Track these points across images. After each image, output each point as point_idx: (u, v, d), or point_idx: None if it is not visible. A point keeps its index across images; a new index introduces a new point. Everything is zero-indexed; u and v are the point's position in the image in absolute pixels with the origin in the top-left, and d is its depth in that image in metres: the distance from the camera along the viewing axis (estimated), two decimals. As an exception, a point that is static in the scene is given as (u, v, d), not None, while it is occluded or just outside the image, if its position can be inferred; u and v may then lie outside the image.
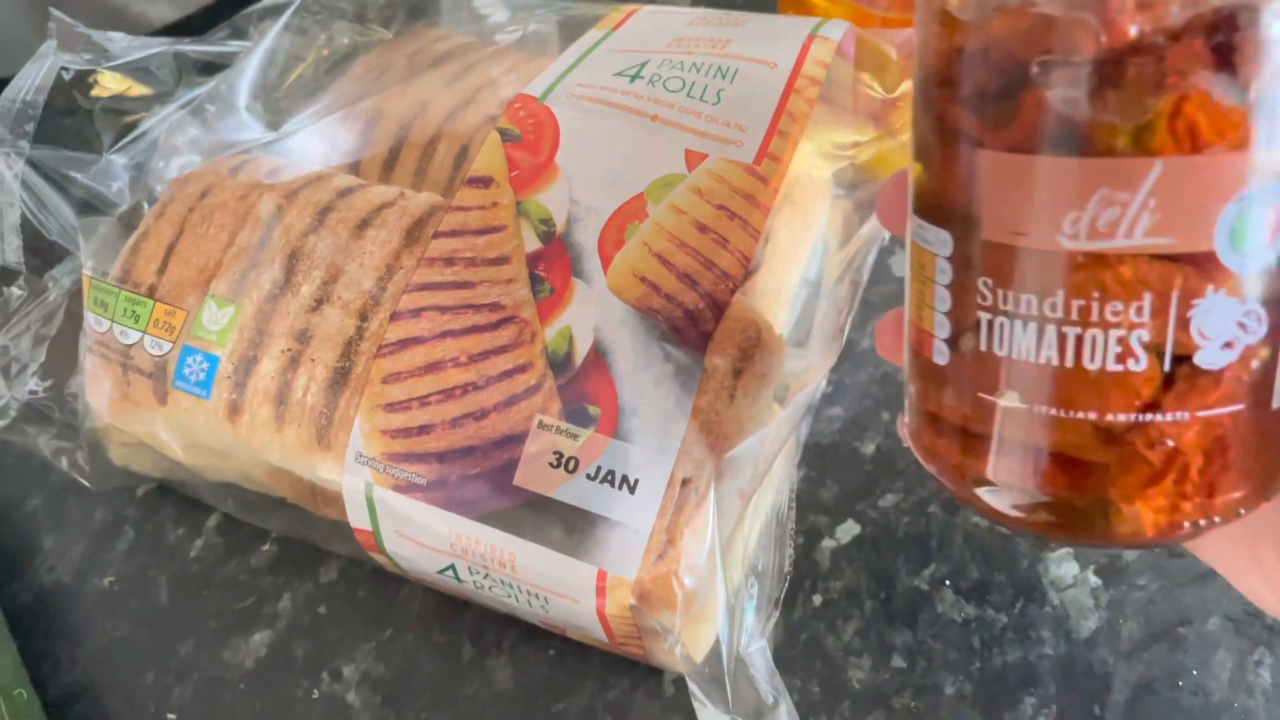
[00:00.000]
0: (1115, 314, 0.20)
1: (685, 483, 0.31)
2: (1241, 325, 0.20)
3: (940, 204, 0.22)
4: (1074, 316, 0.20)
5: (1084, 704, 0.36)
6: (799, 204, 0.38)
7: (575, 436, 0.31)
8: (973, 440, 0.22)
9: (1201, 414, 0.20)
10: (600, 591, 0.31)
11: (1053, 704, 0.36)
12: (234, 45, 0.45)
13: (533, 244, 0.34)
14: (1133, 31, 0.18)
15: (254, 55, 0.43)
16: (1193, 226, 0.19)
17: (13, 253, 0.38)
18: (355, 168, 0.40)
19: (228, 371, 0.35)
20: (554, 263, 0.34)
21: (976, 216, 0.21)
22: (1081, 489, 0.21)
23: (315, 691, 0.39)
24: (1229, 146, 0.18)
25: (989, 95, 0.20)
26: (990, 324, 0.21)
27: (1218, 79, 0.18)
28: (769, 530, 0.36)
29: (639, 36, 0.40)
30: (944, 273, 0.22)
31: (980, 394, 0.22)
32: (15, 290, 0.39)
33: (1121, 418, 0.20)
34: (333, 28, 0.47)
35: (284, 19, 0.45)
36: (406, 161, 0.40)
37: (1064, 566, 0.39)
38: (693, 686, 0.32)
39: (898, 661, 0.38)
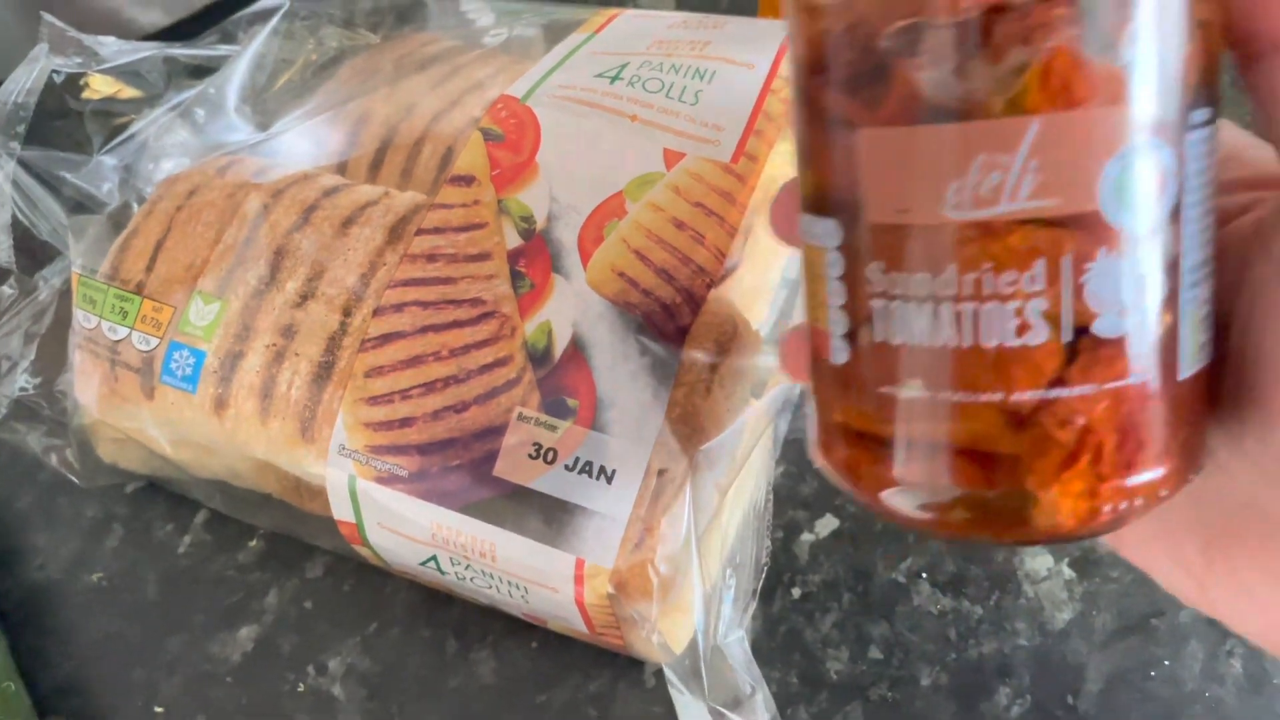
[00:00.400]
0: (1009, 285, 0.19)
1: (662, 473, 0.32)
2: (1138, 289, 0.19)
3: (825, 194, 0.21)
4: (967, 292, 0.19)
5: (1058, 694, 0.37)
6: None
7: (554, 428, 0.32)
8: (878, 442, 0.21)
9: (1109, 386, 0.19)
10: (578, 580, 0.32)
11: (1027, 694, 0.37)
12: (223, 49, 0.46)
13: (514, 241, 0.35)
14: None
15: (243, 59, 0.44)
16: (1076, 186, 0.18)
17: (3, 252, 0.39)
18: (342, 168, 0.40)
19: (214, 366, 0.35)
20: (534, 259, 0.34)
21: (861, 200, 0.20)
22: (995, 481, 0.20)
23: (301, 685, 0.39)
24: (1104, 101, 0.18)
25: (859, 73, 0.20)
26: (885, 311, 0.20)
27: (1086, 31, 0.18)
28: (747, 523, 0.37)
29: (620, 39, 0.41)
30: (835, 265, 0.21)
31: (882, 389, 0.21)
32: (6, 289, 0.40)
33: (1027, 396, 0.20)
34: (321, 32, 0.48)
35: (272, 23, 0.46)
36: (393, 162, 0.41)
37: (1039, 559, 0.40)
38: (670, 675, 0.33)
39: (875, 653, 0.38)
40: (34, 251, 0.41)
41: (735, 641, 0.36)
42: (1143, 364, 0.19)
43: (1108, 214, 0.19)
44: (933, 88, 0.19)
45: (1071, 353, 0.19)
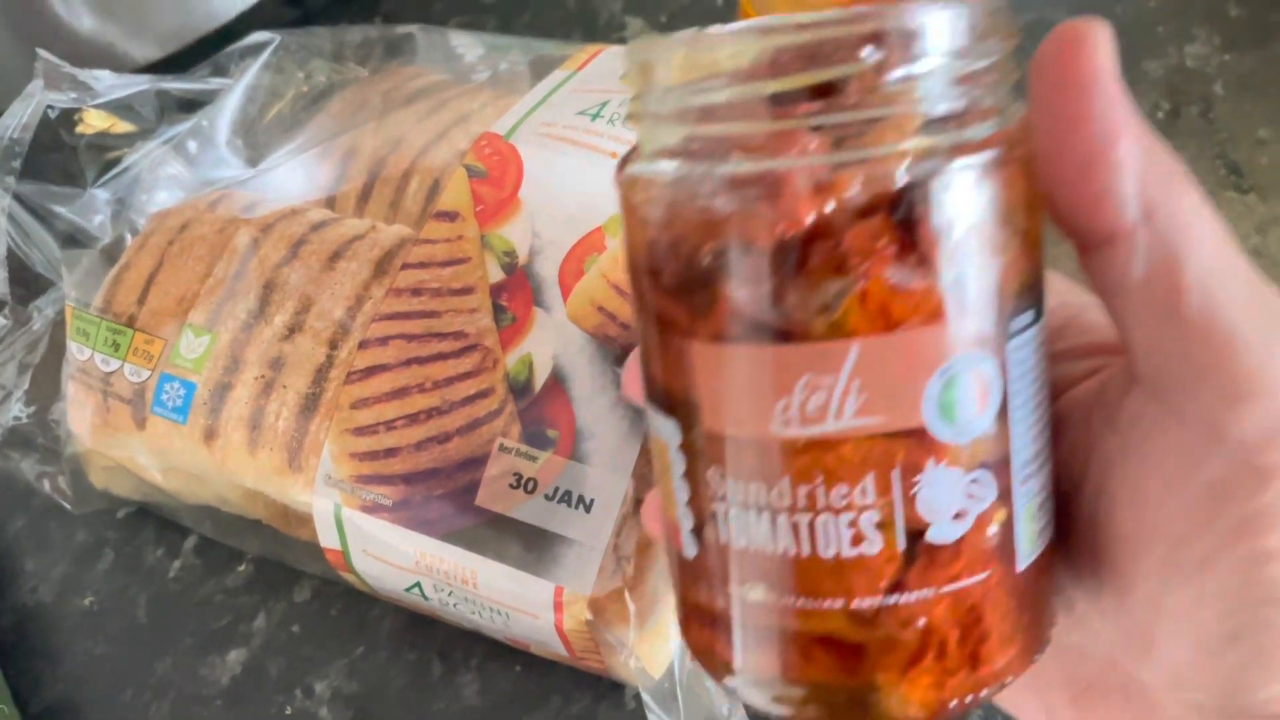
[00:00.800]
0: (842, 498, 0.19)
1: (639, 502, 0.33)
2: (969, 495, 0.19)
3: (664, 392, 0.21)
4: (802, 504, 0.19)
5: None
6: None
7: (534, 458, 0.33)
8: (728, 633, 0.21)
9: (948, 588, 0.19)
10: (558, 607, 0.33)
11: (997, 714, 0.38)
12: (215, 83, 0.47)
13: (496, 275, 0.36)
14: (808, 219, 0.18)
15: (234, 93, 0.45)
16: (900, 404, 0.19)
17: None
18: (331, 201, 0.41)
19: (204, 398, 0.36)
20: (516, 293, 0.35)
21: (695, 406, 0.20)
22: (844, 675, 0.20)
23: (289, 708, 0.40)
24: (922, 322, 0.18)
25: (685, 287, 0.20)
26: (725, 515, 0.20)
27: (900, 258, 0.18)
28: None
29: (600, 77, 0.42)
30: (677, 462, 0.21)
31: (728, 587, 0.21)
32: (0, 320, 0.41)
33: (868, 602, 0.19)
34: (310, 65, 0.49)
35: (264, 58, 0.47)
36: (381, 194, 0.42)
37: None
38: (647, 700, 0.34)
39: (850, 675, 0.39)
40: (28, 282, 0.42)
41: (713, 665, 0.36)
42: (980, 564, 0.20)
43: (933, 428, 0.19)
44: (752, 309, 0.19)
45: (909, 558, 0.19)
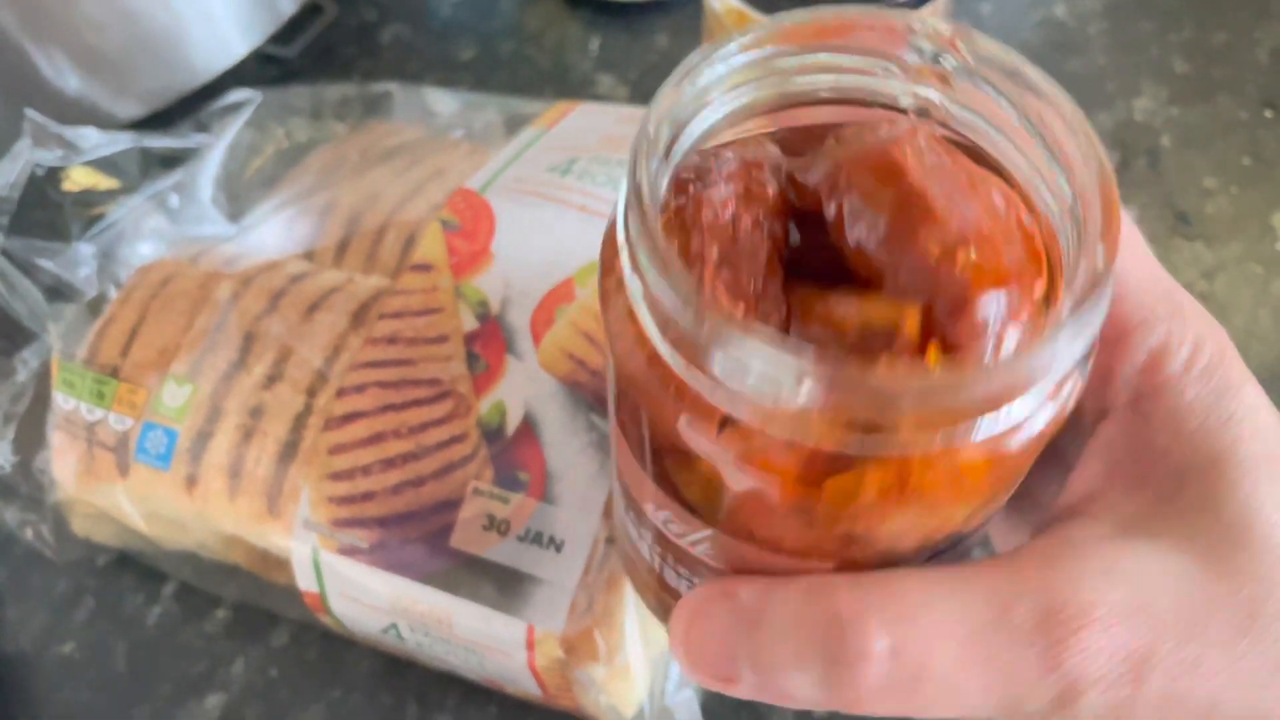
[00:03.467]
0: None
1: (608, 542, 0.34)
2: None
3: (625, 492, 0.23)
4: None
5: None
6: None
7: (506, 501, 0.34)
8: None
9: None
10: (530, 645, 0.34)
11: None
12: (197, 139, 0.48)
13: (470, 324, 0.37)
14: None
15: (216, 150, 0.47)
16: None
17: (-16, 337, 0.41)
18: (310, 255, 0.43)
19: (185, 446, 0.37)
20: (489, 341, 0.37)
21: None
22: None
23: (266, 751, 0.41)
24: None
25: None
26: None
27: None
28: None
29: (571, 134, 0.44)
30: None
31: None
32: (-15, 371, 0.42)
33: None
34: (290, 123, 0.50)
35: (245, 115, 0.49)
36: (358, 248, 0.43)
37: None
38: (618, 735, 0.35)
39: (820, 711, 0.40)
40: (12, 334, 0.43)
41: (684, 701, 0.37)
42: None
43: None
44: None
45: None
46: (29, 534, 0.43)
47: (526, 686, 0.36)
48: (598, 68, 0.64)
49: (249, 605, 0.44)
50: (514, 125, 0.49)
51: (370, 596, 0.35)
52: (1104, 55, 0.61)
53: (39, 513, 0.42)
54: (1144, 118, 0.58)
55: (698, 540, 0.21)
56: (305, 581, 0.36)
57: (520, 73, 0.64)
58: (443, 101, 0.53)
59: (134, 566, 0.46)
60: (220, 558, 0.41)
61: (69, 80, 0.51)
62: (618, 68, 0.64)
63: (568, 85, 0.63)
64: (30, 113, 0.44)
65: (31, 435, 0.41)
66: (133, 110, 0.54)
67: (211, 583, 0.43)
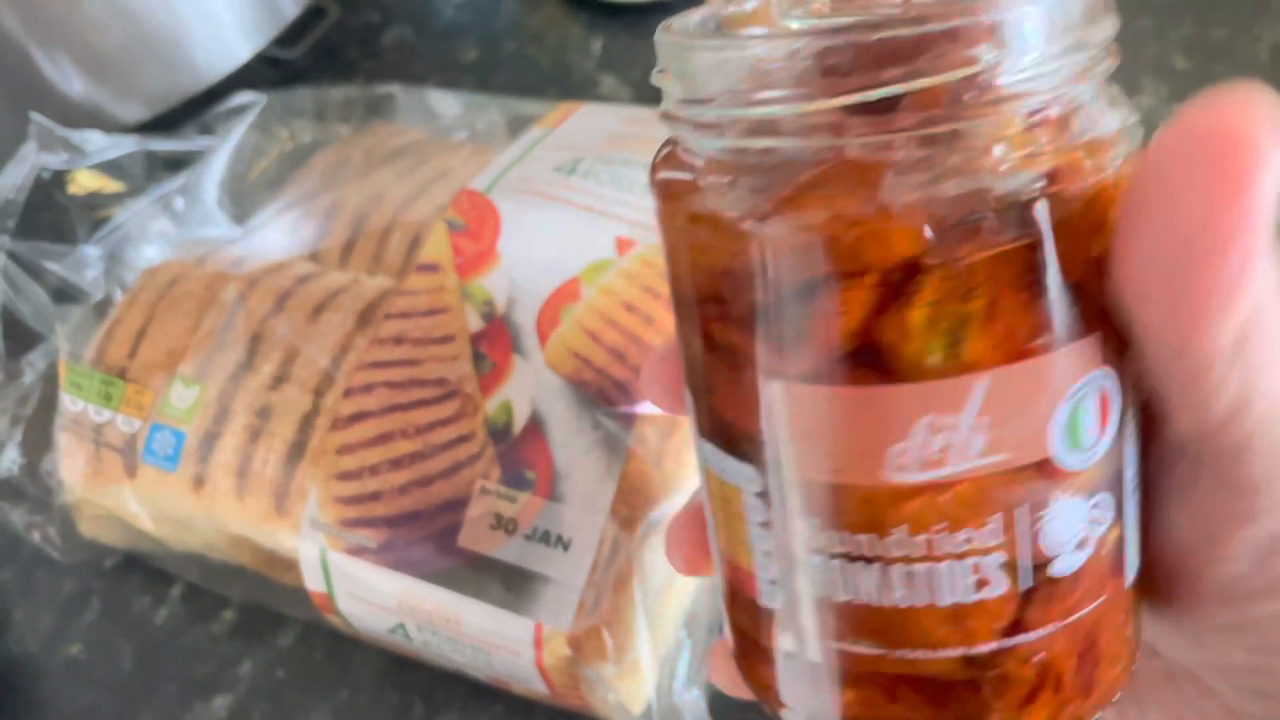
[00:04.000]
0: (964, 543, 0.17)
1: (615, 541, 0.34)
2: (1092, 520, 0.18)
3: (735, 435, 0.19)
4: (919, 553, 0.17)
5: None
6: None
7: (514, 500, 0.34)
8: (822, 682, 0.19)
9: (1068, 620, 0.18)
10: (538, 644, 0.34)
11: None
12: (201, 142, 0.48)
13: (476, 324, 0.37)
14: (924, 242, 0.16)
15: (221, 153, 0.47)
16: (1028, 437, 0.17)
17: (-8, 339, 0.41)
18: (315, 256, 0.43)
19: (193, 446, 0.37)
20: (495, 340, 0.37)
21: (782, 452, 0.18)
22: (957, 715, 0.19)
23: (274, 751, 0.41)
24: (1049, 345, 0.16)
25: (776, 320, 0.17)
26: (824, 568, 0.18)
27: (1024, 278, 0.16)
28: (703, 587, 0.39)
29: (576, 134, 0.44)
30: (755, 510, 0.19)
31: (827, 641, 0.19)
32: (-7, 374, 0.42)
33: (985, 647, 0.18)
34: (294, 125, 0.51)
35: (250, 118, 0.49)
36: (363, 249, 0.43)
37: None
38: (625, 733, 0.35)
39: (823, 708, 0.40)
40: (19, 336, 0.43)
41: (691, 700, 0.37)
42: (1097, 589, 0.18)
43: (1060, 458, 0.17)
44: (865, 346, 0.16)
45: (1028, 595, 0.18)
46: (36, 536, 0.43)
47: (534, 685, 0.36)
48: (600, 69, 0.64)
49: (256, 606, 0.44)
50: (517, 126, 0.49)
51: (378, 596, 0.35)
52: (1105, 53, 0.61)
53: (46, 514, 0.43)
54: (1145, 115, 0.58)
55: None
56: (313, 581, 0.36)
57: (522, 74, 0.64)
58: (445, 103, 0.53)
59: (141, 568, 0.46)
60: (227, 558, 0.41)
61: (74, 84, 0.51)
62: (620, 68, 0.64)
63: (570, 86, 0.63)
64: (36, 116, 0.44)
65: (39, 437, 0.42)
66: (137, 113, 0.54)
67: (218, 583, 0.43)
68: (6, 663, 0.44)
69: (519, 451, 0.35)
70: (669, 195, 0.18)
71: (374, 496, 0.35)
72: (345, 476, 0.35)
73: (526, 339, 0.37)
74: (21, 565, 0.47)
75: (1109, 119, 0.17)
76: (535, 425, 0.35)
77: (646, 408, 0.36)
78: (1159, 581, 0.20)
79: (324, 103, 0.52)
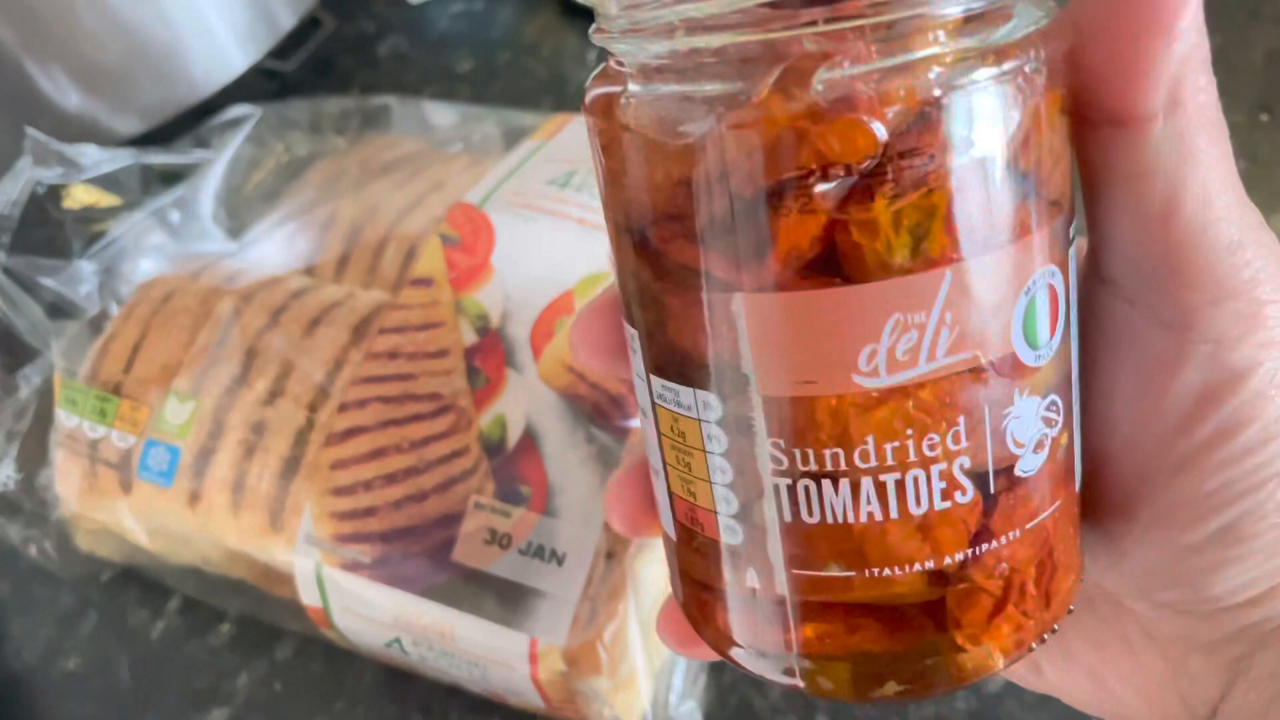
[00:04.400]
0: (932, 448, 0.17)
1: (610, 555, 0.34)
2: (1047, 420, 0.18)
3: (689, 362, 0.18)
4: (889, 461, 0.17)
5: (991, 754, 0.39)
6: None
7: (508, 514, 0.34)
8: (780, 617, 0.19)
9: (1029, 525, 0.18)
10: (533, 659, 0.34)
11: None
12: (197, 155, 0.49)
13: (470, 338, 0.37)
14: (885, 135, 0.16)
15: (217, 165, 0.47)
16: (990, 333, 0.17)
17: (-13, 355, 0.41)
18: (310, 269, 0.43)
19: (188, 462, 0.37)
20: (489, 355, 0.37)
21: (742, 371, 0.17)
22: (919, 639, 0.19)
23: (271, 764, 0.41)
24: (1008, 238, 0.17)
25: (735, 229, 0.16)
26: (791, 490, 0.18)
27: (985, 165, 0.16)
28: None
29: (569, 146, 0.44)
30: (715, 440, 0.18)
31: (792, 570, 0.18)
32: (-12, 389, 0.42)
33: (955, 558, 0.18)
34: (289, 137, 0.51)
35: (245, 130, 0.49)
36: (358, 262, 0.43)
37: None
38: (621, 747, 0.35)
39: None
40: (14, 351, 0.43)
41: (687, 713, 0.38)
42: (1052, 493, 0.19)
43: (1021, 353, 0.17)
44: (832, 246, 0.16)
45: (992, 501, 0.18)
46: (33, 550, 0.43)
47: (529, 699, 0.36)
48: (595, 78, 0.64)
49: (253, 619, 0.44)
50: (512, 138, 0.49)
51: (373, 611, 0.35)
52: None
53: (43, 528, 0.43)
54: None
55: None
56: (309, 596, 0.36)
57: (518, 83, 0.64)
58: (441, 114, 0.53)
59: (138, 581, 0.46)
60: (223, 572, 0.41)
61: (69, 97, 0.51)
62: (615, 77, 0.64)
63: (565, 95, 0.63)
64: (31, 131, 0.44)
65: (35, 452, 0.42)
66: (133, 126, 0.54)
67: (215, 597, 0.43)
68: (4, 676, 0.44)
69: (513, 466, 0.35)
70: (607, 111, 0.18)
71: (369, 512, 0.35)
72: (340, 492, 0.35)
73: (520, 353, 0.37)
74: (18, 579, 0.47)
75: (1036, 13, 0.17)
76: (529, 440, 0.35)
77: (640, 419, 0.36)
78: (1094, 490, 0.21)
79: (319, 115, 0.52)
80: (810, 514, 0.18)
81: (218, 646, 0.44)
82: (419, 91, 0.64)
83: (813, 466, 0.18)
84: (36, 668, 0.44)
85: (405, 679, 0.42)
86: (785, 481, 0.18)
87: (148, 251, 0.45)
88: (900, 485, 0.17)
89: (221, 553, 0.39)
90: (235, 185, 0.49)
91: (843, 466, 0.17)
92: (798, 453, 0.18)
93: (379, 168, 0.48)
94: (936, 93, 0.16)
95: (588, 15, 0.66)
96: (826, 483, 0.18)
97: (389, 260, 0.43)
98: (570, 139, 0.45)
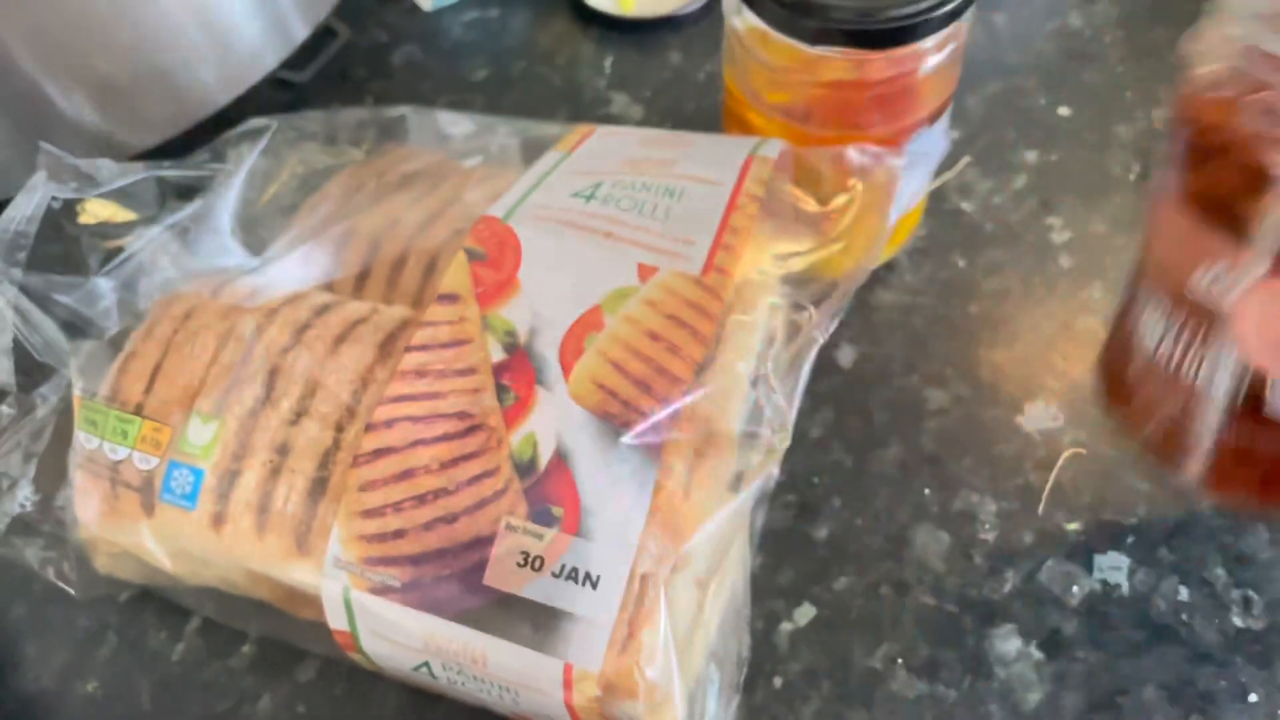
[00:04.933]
0: None
1: (644, 577, 0.33)
2: None
3: None
4: None
5: (1031, 775, 0.38)
6: (746, 306, 0.40)
7: (540, 536, 0.34)
8: None
9: None
10: (567, 684, 0.33)
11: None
12: (213, 168, 0.48)
13: (498, 355, 0.37)
14: None
15: (235, 179, 0.46)
16: None
17: (4, 374, 0.40)
18: (330, 284, 0.42)
19: (212, 484, 0.37)
20: (518, 372, 0.36)
21: None
22: None
23: (295, 790, 0.40)
24: None
25: None
26: None
27: None
28: (728, 617, 0.39)
29: (593, 158, 0.43)
30: None
31: None
32: (4, 409, 0.41)
33: None
34: (305, 149, 0.50)
35: (262, 144, 0.48)
36: (378, 276, 0.43)
37: (1009, 642, 0.42)
38: (656, 772, 0.34)
39: (854, 740, 0.40)
40: (30, 370, 0.42)
41: (720, 734, 0.37)
42: None
43: None
44: None
45: None
46: (50, 572, 0.42)
47: (562, 723, 0.35)
48: (611, 86, 0.63)
49: (275, 640, 0.43)
50: (530, 148, 0.48)
51: (403, 635, 0.35)
52: (1121, 64, 0.60)
53: (61, 550, 0.42)
54: (1165, 126, 0.57)
55: None
56: (336, 620, 0.36)
57: (533, 92, 0.64)
58: (457, 124, 0.52)
59: (156, 602, 0.45)
60: (246, 594, 0.40)
61: (82, 110, 0.51)
62: (631, 86, 0.63)
63: (581, 104, 0.63)
64: (46, 146, 0.43)
65: (53, 472, 0.41)
66: (147, 139, 0.53)
67: (236, 618, 0.43)
68: (22, 700, 0.43)
69: (545, 486, 0.34)
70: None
71: (398, 534, 0.34)
72: (368, 514, 0.35)
73: (550, 370, 0.36)
74: (35, 601, 0.46)
75: None
76: (560, 459, 0.35)
77: (673, 437, 0.35)
78: None
79: (335, 126, 0.51)
80: None
81: (239, 669, 0.43)
82: (434, 101, 0.63)
83: None
84: (54, 692, 0.44)
85: (431, 701, 0.41)
86: None
87: (166, 268, 0.44)
88: None
89: (244, 574, 0.39)
90: (250, 198, 0.48)
91: None
92: None
93: (397, 180, 0.47)
94: None
95: (603, 23, 0.66)
96: None
97: (409, 274, 0.42)
98: (594, 150, 0.44)
